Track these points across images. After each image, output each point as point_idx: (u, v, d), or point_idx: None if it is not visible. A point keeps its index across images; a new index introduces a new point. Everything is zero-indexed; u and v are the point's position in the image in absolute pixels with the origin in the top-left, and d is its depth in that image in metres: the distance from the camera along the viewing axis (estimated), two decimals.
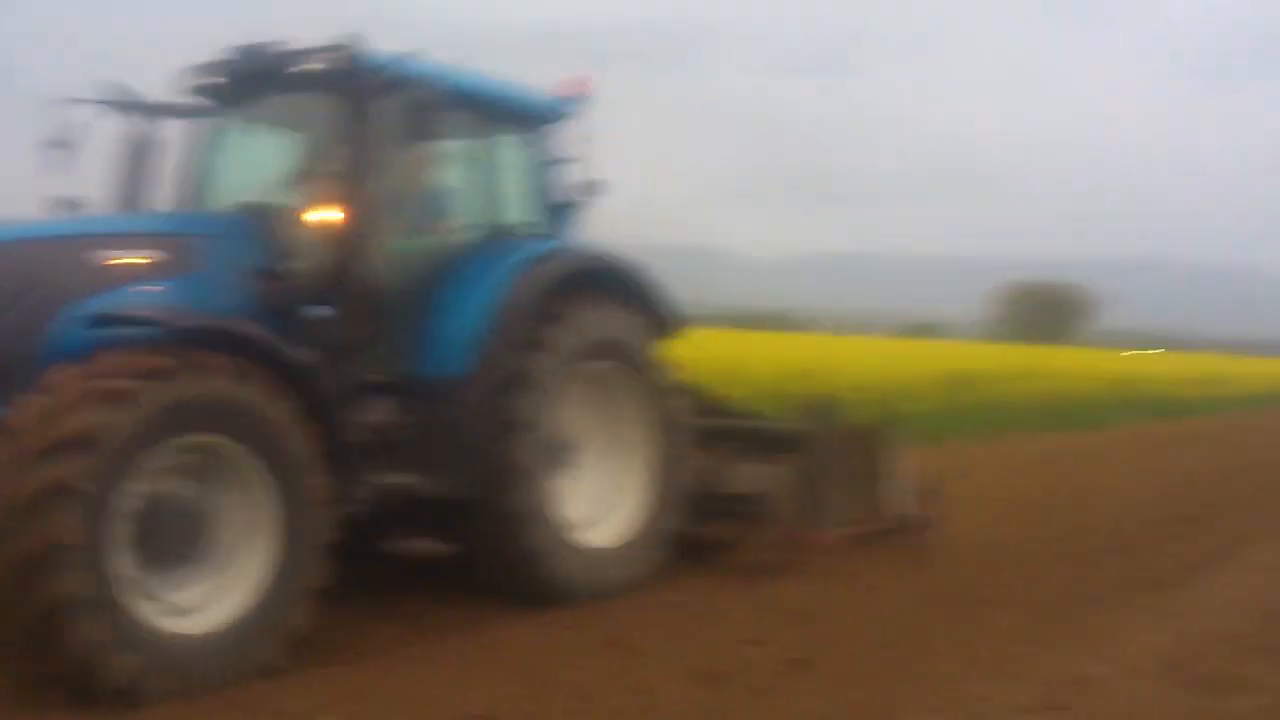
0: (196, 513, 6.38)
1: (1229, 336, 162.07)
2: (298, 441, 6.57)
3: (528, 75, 9.80)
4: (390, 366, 7.98)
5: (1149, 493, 16.24)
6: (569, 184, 9.29)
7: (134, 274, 6.96)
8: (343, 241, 7.52)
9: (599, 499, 9.03)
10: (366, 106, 7.57)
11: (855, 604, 8.88)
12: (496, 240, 8.77)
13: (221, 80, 8.27)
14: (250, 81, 8.19)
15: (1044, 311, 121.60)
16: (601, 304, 8.79)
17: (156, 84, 8.68)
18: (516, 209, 9.11)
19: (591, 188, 9.28)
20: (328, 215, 7.60)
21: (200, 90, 8.46)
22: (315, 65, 7.71)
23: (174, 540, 6.28)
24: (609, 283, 8.99)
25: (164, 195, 8.65)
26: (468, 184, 8.97)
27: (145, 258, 7.06)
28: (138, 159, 8.65)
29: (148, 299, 6.84)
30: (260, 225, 7.65)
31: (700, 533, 9.83)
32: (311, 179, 8.04)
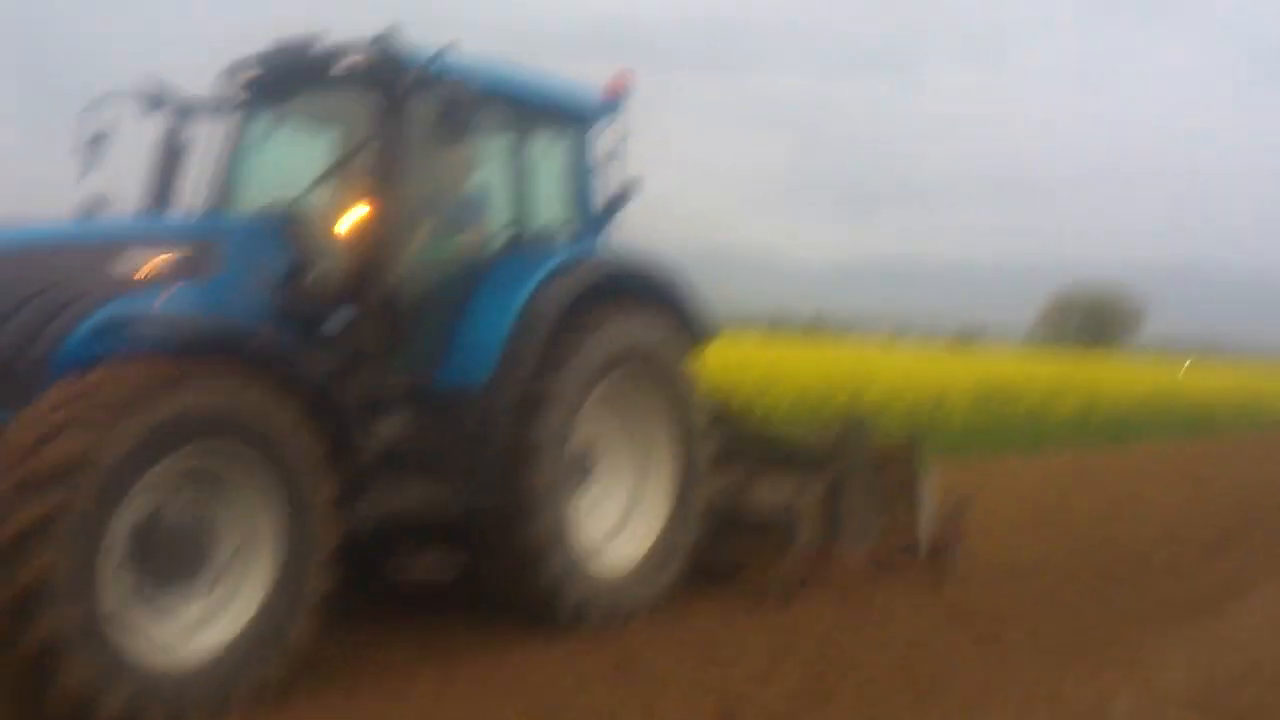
0: (196, 527, 6.20)
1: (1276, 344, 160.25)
2: (304, 452, 6.40)
3: (576, 74, 9.72)
4: (412, 375, 7.83)
5: (1185, 510, 15.95)
6: (607, 186, 9.10)
7: (150, 278, 6.82)
8: (370, 245, 7.37)
9: (616, 511, 8.85)
10: (401, 103, 7.39)
11: (876, 629, 8.67)
12: (528, 244, 8.59)
13: (256, 77, 8.17)
14: (284, 78, 8.09)
15: (1092, 318, 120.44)
16: (631, 311, 8.57)
17: (191, 81, 8.66)
18: (551, 211, 8.92)
19: (629, 189, 9.08)
20: (356, 217, 7.45)
21: (234, 87, 8.36)
22: (350, 61, 7.55)
23: (171, 558, 6.11)
24: (641, 289, 8.79)
25: (196, 195, 8.55)
26: (502, 185, 8.75)
27: (163, 261, 6.91)
28: (171, 157, 8.56)
29: (161, 304, 6.72)
30: (285, 228, 7.50)
31: (719, 552, 9.65)
32: (343, 178, 7.92)
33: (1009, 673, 7.75)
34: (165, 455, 5.87)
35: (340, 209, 7.72)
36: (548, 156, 8.93)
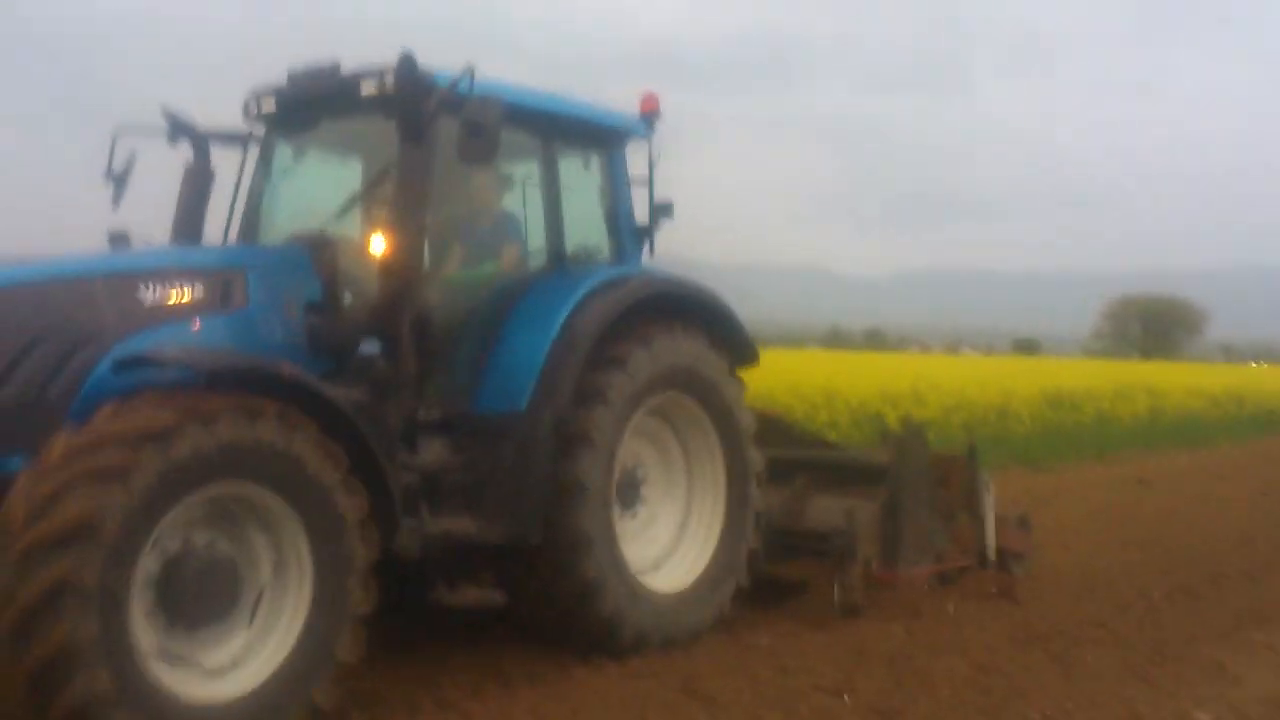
0: (225, 559, 5.99)
1: None
2: (339, 498, 6.16)
3: (624, 98, 9.59)
4: (447, 403, 7.66)
5: (1257, 513, 15.50)
6: (640, 206, 8.95)
7: (173, 312, 6.67)
8: (398, 272, 7.18)
9: (669, 529, 8.65)
10: (424, 127, 7.21)
11: (942, 646, 8.34)
12: (562, 267, 8.40)
13: (278, 106, 8.05)
14: (307, 107, 7.97)
15: (1151, 325, 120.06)
16: (672, 332, 8.36)
17: (214, 112, 8.60)
18: (586, 233, 8.74)
19: (665, 209, 8.94)
20: (383, 244, 7.28)
21: (257, 117, 8.26)
22: (370, 87, 7.41)
23: (205, 592, 5.91)
24: (680, 309, 8.58)
25: (222, 226, 8.45)
26: (535, 208, 8.58)
27: (186, 294, 6.77)
28: (196, 189, 8.47)
29: (184, 338, 6.58)
30: (312, 257, 7.34)
31: (777, 572, 9.39)
32: (368, 206, 7.78)
33: (1085, 688, 7.48)
34: (185, 495, 5.67)
35: (367, 236, 7.58)
36: (580, 178, 8.78)
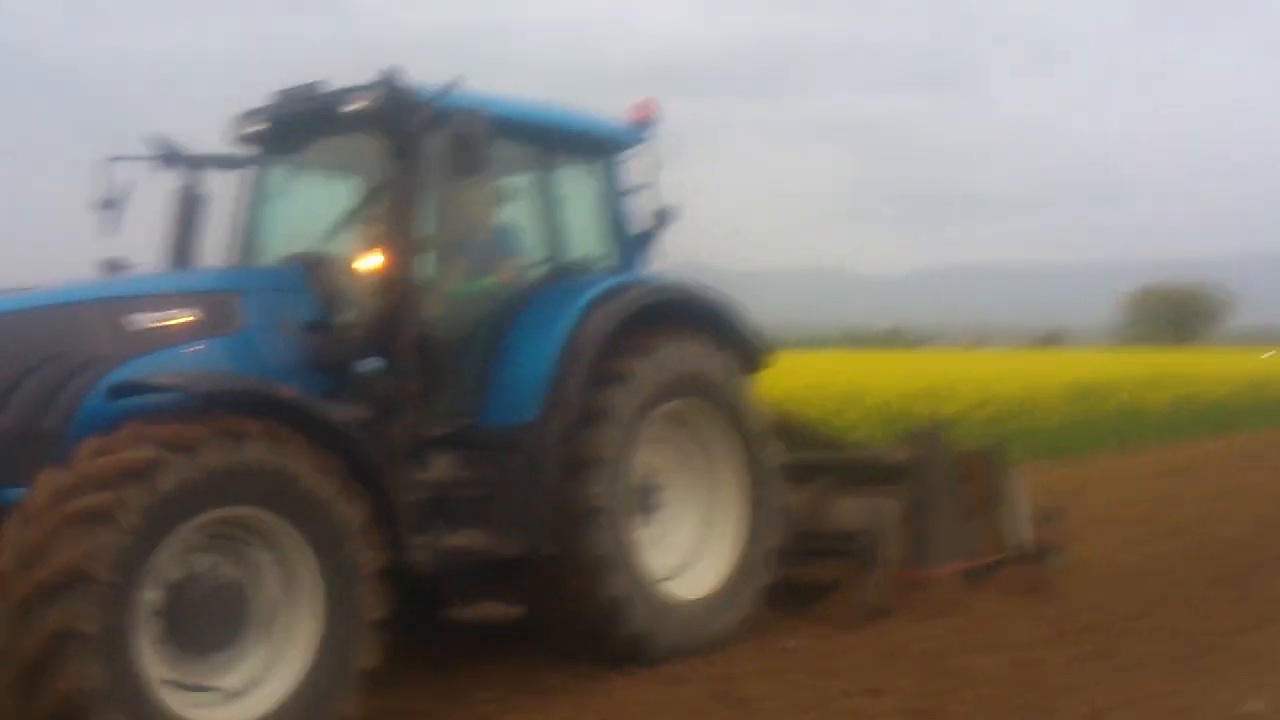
0: (229, 590, 5.89)
1: None
2: (338, 508, 6.06)
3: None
4: (453, 418, 7.55)
5: None
6: (640, 214, 8.81)
7: (169, 337, 6.59)
8: (395, 289, 7.09)
9: (690, 534, 8.52)
10: (413, 142, 7.15)
11: (978, 644, 8.17)
12: (565, 277, 8.31)
13: (266, 126, 7.97)
14: (294, 126, 7.88)
15: (1175, 314, 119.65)
16: (681, 337, 8.24)
17: (203, 136, 8.49)
18: (585, 243, 8.64)
19: (666, 216, 8.79)
20: (379, 262, 7.20)
21: (245, 138, 8.18)
22: (357, 103, 7.31)
23: (210, 626, 5.82)
24: (688, 315, 8.47)
25: (215, 250, 8.39)
26: (532, 219, 8.51)
27: (181, 319, 6.69)
28: (187, 214, 8.40)
29: (181, 363, 6.48)
30: (308, 277, 7.28)
31: (803, 575, 9.19)
32: (361, 224, 7.67)
33: (1129, 682, 7.35)
34: (177, 527, 5.55)
35: (361, 254, 7.48)
36: (578, 188, 8.67)
